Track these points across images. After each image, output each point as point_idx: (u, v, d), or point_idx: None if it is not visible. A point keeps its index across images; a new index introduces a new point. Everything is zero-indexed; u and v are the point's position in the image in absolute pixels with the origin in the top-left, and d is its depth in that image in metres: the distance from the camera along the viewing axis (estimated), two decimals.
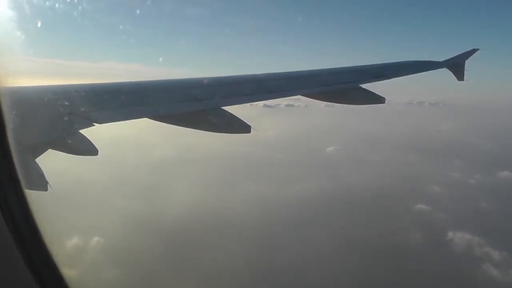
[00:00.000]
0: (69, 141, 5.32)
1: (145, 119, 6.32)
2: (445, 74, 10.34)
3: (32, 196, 3.53)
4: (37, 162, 4.71)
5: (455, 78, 10.48)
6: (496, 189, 76.55)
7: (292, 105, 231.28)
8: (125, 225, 58.04)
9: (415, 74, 10.24)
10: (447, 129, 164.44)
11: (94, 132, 5.46)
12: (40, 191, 4.49)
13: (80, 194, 62.50)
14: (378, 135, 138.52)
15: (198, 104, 6.85)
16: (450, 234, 57.32)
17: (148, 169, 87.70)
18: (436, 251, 52.71)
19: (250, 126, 6.77)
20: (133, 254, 51.17)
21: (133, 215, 61.53)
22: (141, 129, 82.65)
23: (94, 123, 5.57)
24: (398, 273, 47.55)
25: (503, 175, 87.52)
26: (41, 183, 4.54)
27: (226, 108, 6.75)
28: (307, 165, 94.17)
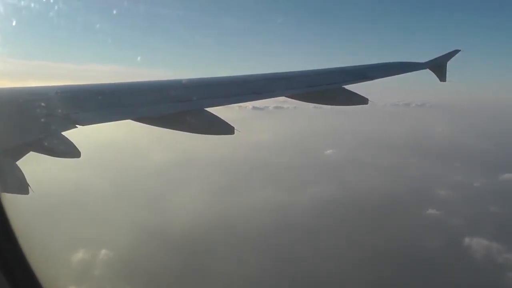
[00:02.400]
0: (51, 143, 5.20)
1: (129, 121, 6.13)
2: (428, 75, 10.42)
3: (11, 200, 3.72)
4: (18, 165, 4.60)
5: (438, 79, 10.52)
6: (502, 193, 75.88)
7: (281, 107, 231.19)
8: (113, 231, 56.43)
9: (398, 75, 10.21)
10: (440, 130, 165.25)
11: (77, 134, 5.30)
12: (21, 195, 4.44)
13: (65, 197, 61.53)
14: (373, 137, 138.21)
15: (181, 105, 6.78)
16: (466, 240, 56.19)
17: (138, 172, 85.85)
18: (457, 259, 51.58)
19: (233, 127, 6.60)
20: (136, 265, 49.34)
21: (124, 219, 59.86)
22: (125, 131, 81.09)
23: (76, 125, 5.45)
24: (423, 283, 46.33)
25: (505, 177, 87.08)
26: (22, 186, 4.49)
27: (210, 109, 6.66)
28: (309, 169, 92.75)
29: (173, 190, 74.90)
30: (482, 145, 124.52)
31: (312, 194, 73.42)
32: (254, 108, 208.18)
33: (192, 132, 6.67)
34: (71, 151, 5.28)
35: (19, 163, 4.67)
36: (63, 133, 5.29)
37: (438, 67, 10.45)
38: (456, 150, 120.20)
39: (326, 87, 8.63)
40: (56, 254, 49.09)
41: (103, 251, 51.28)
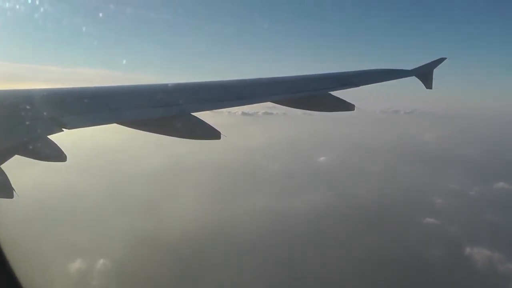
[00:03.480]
0: (36, 147, 5.15)
1: (116, 125, 6.10)
2: (415, 82, 10.54)
3: None
4: (3, 169, 4.56)
5: (424, 87, 10.67)
6: (498, 201, 75.97)
7: (270, 113, 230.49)
8: (108, 239, 55.39)
9: (384, 83, 10.18)
10: (430, 137, 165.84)
11: (63, 138, 5.26)
12: (6, 199, 4.50)
13: (54, 203, 60.87)
14: (364, 145, 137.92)
15: (168, 110, 6.80)
16: (467, 249, 55.80)
17: (127, 177, 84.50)
18: (459, 269, 51.23)
19: (220, 132, 6.57)
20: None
21: (117, 225, 58.78)
22: (112, 135, 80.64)
23: (63, 129, 5.37)
24: None
25: (500, 186, 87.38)
26: (6, 190, 4.55)
27: (196, 114, 6.66)
28: (304, 176, 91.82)
29: (165, 196, 74.01)
30: (472, 153, 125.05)
31: (308, 201, 72.65)
32: (243, 114, 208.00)
33: (178, 137, 6.58)
34: (57, 154, 5.30)
35: (3, 166, 4.61)
36: (49, 136, 5.25)
37: (424, 74, 10.59)
38: (448, 157, 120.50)
39: (311, 93, 8.64)
40: (52, 263, 48.04)
41: (101, 261, 49.90)
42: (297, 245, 56.22)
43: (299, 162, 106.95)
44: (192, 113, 6.64)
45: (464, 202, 76.13)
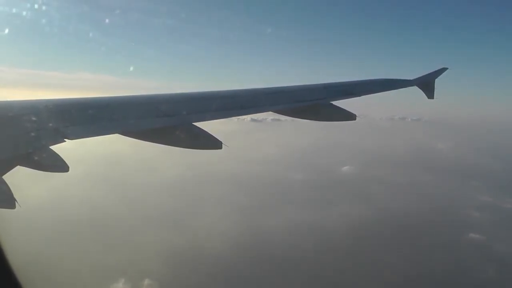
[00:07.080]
0: (38, 157, 5.12)
1: (117, 135, 6.04)
2: (415, 91, 10.46)
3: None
4: (4, 179, 4.57)
5: (425, 96, 10.59)
6: None
7: (278, 119, 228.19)
8: (141, 256, 52.84)
9: (385, 92, 10.11)
10: (443, 146, 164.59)
11: (65, 148, 5.23)
12: (8, 209, 4.49)
13: (55, 213, 59.18)
14: (381, 153, 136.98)
15: (169, 120, 6.78)
16: None
17: (137, 188, 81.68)
18: None
19: (221, 142, 6.52)
20: None
21: (137, 239, 56.89)
22: (116, 145, 78.94)
23: (65, 139, 5.39)
24: None
25: None
26: (8, 200, 4.55)
27: (200, 123, 6.66)
28: (331, 187, 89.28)
29: (183, 207, 71.67)
30: (488, 162, 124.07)
31: (343, 214, 70.40)
32: (252, 120, 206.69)
33: (180, 147, 6.57)
34: (59, 165, 5.24)
35: (5, 177, 4.59)
36: (51, 147, 5.23)
37: (426, 84, 10.56)
38: (467, 166, 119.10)
39: (312, 103, 8.61)
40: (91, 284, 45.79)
41: (146, 281, 47.18)
42: (341, 263, 53.86)
43: (323, 172, 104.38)
44: (194, 123, 6.60)
45: (503, 215, 73.81)
